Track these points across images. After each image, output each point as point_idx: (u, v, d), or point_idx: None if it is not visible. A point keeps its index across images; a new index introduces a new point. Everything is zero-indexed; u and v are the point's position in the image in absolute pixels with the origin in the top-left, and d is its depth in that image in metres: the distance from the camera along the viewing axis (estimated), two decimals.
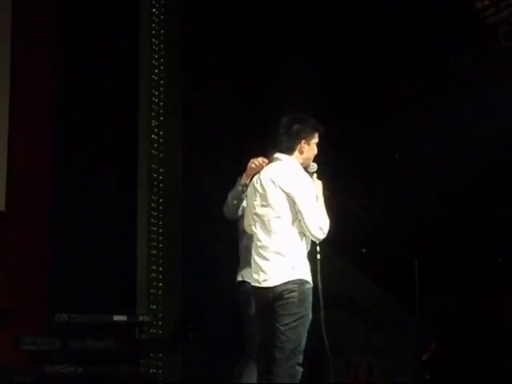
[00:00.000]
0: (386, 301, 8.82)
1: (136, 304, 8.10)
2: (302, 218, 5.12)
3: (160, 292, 8.35)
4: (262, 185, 5.27)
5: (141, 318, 6.86)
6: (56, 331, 6.90)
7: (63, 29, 7.90)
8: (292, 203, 5.14)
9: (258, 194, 5.28)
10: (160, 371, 8.14)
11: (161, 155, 8.49)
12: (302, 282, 5.10)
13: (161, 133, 8.48)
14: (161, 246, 8.42)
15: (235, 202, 5.90)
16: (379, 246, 8.95)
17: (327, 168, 8.43)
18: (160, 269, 8.33)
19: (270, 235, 5.19)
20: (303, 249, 5.21)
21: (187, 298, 8.48)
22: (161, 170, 8.48)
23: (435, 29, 8.55)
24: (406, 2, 8.61)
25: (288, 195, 5.15)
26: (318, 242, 5.25)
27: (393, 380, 8.40)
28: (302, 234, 5.18)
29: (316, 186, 5.33)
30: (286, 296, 5.08)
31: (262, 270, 5.18)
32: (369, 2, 8.78)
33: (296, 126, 5.30)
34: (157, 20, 8.61)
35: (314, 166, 5.40)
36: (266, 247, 5.20)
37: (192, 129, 8.62)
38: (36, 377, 4.11)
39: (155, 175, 8.42)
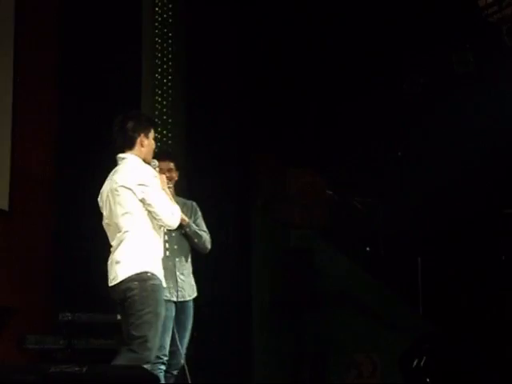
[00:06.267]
0: (389, 298, 8.82)
1: None
2: (152, 208, 5.10)
3: None
4: (110, 189, 5.23)
5: None
6: (60, 330, 6.91)
7: (66, 29, 7.92)
8: (137, 198, 5.10)
9: (106, 199, 5.27)
10: None
11: None
12: (143, 278, 5.04)
13: (164, 132, 8.49)
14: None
15: None
16: (382, 243, 8.95)
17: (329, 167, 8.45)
18: None
19: (115, 233, 5.19)
20: (149, 243, 5.16)
21: None
22: None
23: (438, 26, 8.54)
24: None
25: (132, 189, 5.11)
26: (170, 228, 5.30)
27: (396, 377, 8.41)
28: (151, 228, 5.15)
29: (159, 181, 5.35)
30: (128, 294, 5.05)
31: (111, 269, 5.20)
32: None
33: (130, 123, 5.28)
34: (160, 19, 8.62)
35: (154, 162, 5.45)
36: (113, 246, 5.22)
37: (195, 127, 8.62)
38: (40, 376, 4.10)
39: None
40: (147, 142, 5.28)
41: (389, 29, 8.72)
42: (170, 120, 8.52)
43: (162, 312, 5.12)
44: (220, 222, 8.29)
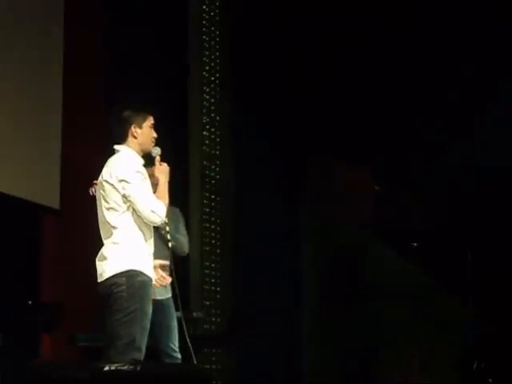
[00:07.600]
0: (439, 294, 8.79)
1: (190, 300, 8.14)
2: (134, 205, 5.00)
3: (213, 288, 8.39)
4: (99, 182, 5.17)
5: (194, 314, 6.89)
6: None
7: (112, 28, 7.98)
8: (120, 194, 5.01)
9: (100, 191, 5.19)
10: (214, 367, 8.18)
11: (212, 152, 8.51)
12: (131, 275, 4.95)
13: (212, 129, 8.51)
14: (213, 242, 8.44)
15: None
16: (431, 237, 8.90)
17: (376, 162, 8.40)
18: (213, 265, 8.37)
19: (104, 228, 5.12)
20: (137, 239, 5.06)
21: (239, 295, 8.52)
22: (213, 166, 8.50)
23: (482, 12, 8.48)
24: None
25: (114, 185, 5.02)
26: (154, 225, 5.12)
27: (445, 373, 8.38)
28: (139, 224, 5.05)
29: (159, 170, 5.24)
30: (114, 290, 4.95)
31: (99, 264, 5.11)
32: None
33: (125, 112, 5.21)
34: (207, 17, 8.63)
35: (156, 150, 5.29)
36: (103, 240, 5.12)
37: (243, 125, 8.63)
38: (95, 374, 4.13)
39: (207, 172, 8.44)
40: (140, 132, 5.16)
41: (432, 16, 8.67)
42: (217, 118, 8.55)
43: (150, 309, 5.03)
44: (270, 221, 8.32)
